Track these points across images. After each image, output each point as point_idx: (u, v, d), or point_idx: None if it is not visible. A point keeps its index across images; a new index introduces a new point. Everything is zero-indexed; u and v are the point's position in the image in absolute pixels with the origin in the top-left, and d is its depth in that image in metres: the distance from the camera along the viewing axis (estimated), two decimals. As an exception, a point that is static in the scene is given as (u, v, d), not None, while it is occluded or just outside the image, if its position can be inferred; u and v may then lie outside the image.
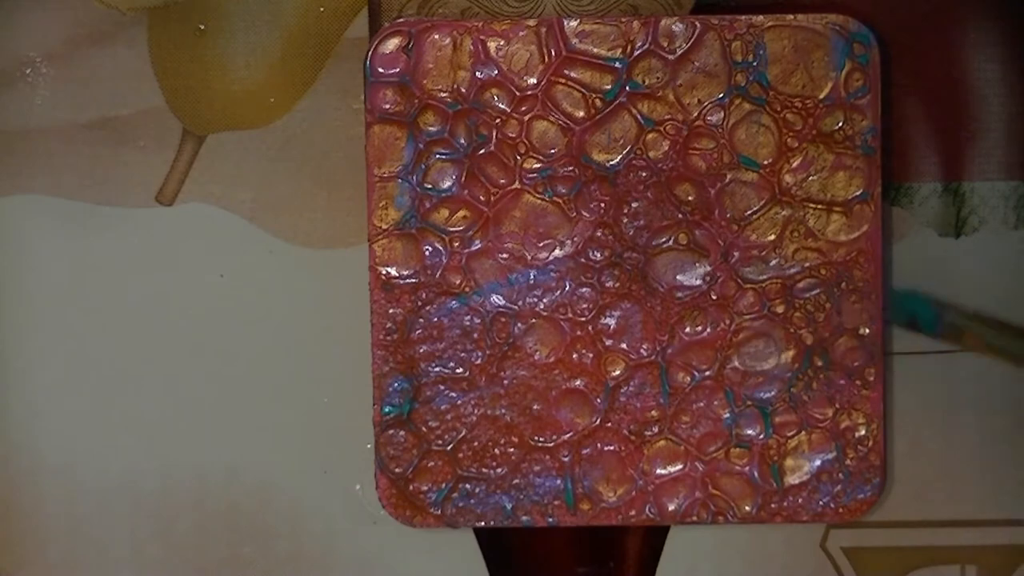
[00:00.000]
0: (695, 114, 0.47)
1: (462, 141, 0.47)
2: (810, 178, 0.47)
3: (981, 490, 0.49)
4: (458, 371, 0.48)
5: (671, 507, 0.48)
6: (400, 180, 0.47)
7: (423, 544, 0.49)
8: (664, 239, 0.47)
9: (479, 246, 0.47)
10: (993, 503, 0.49)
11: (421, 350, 0.48)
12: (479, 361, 0.48)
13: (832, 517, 0.48)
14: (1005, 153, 0.49)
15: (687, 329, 0.47)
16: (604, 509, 0.48)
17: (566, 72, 0.47)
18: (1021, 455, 0.49)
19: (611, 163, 0.47)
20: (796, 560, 0.49)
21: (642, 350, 0.48)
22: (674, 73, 0.47)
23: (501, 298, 0.48)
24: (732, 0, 0.48)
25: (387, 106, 0.47)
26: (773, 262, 0.47)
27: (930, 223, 0.49)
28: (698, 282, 0.47)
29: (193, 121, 0.49)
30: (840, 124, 0.47)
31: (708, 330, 0.47)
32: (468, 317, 0.48)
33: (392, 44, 0.47)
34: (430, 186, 0.47)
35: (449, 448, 0.48)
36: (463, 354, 0.48)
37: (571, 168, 0.47)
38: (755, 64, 0.47)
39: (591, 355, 0.48)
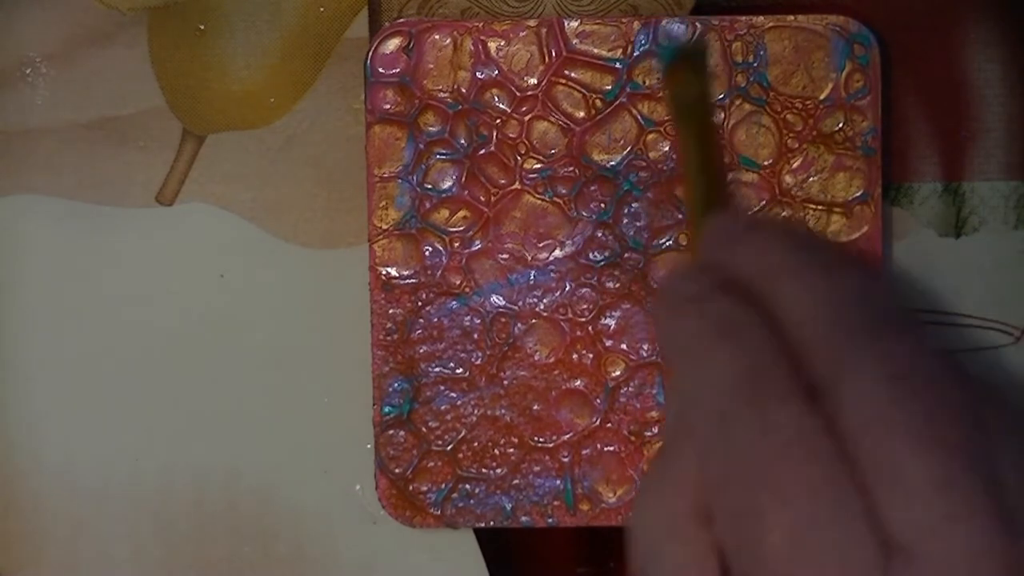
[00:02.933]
0: (695, 115, 0.47)
1: (462, 141, 0.47)
2: (810, 179, 0.47)
3: (981, 490, 0.49)
4: (458, 371, 0.48)
5: (671, 507, 0.48)
6: (400, 180, 0.47)
7: (423, 544, 0.49)
8: (664, 240, 0.47)
9: (479, 246, 0.47)
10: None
11: (421, 350, 0.48)
12: (479, 361, 0.48)
13: (832, 518, 0.48)
14: (1005, 153, 0.49)
15: (687, 330, 0.47)
16: (604, 509, 0.48)
17: (566, 72, 0.47)
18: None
19: (611, 163, 0.47)
20: (796, 560, 0.49)
21: (642, 351, 0.47)
22: (674, 74, 0.47)
23: (501, 298, 0.48)
24: (732, 1, 0.48)
25: (387, 106, 0.47)
26: (773, 263, 0.47)
27: (930, 223, 0.49)
28: (698, 283, 0.47)
29: (193, 121, 0.49)
30: (840, 125, 0.47)
31: (708, 331, 0.47)
32: (468, 317, 0.48)
33: (392, 44, 0.47)
34: (430, 186, 0.47)
35: (449, 448, 0.48)
36: (463, 354, 0.48)
37: (571, 168, 0.47)
38: (755, 65, 0.47)
39: (591, 356, 0.48)
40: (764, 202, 0.47)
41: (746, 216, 0.39)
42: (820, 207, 0.47)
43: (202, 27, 0.48)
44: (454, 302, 0.48)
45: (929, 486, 0.31)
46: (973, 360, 0.49)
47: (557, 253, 0.48)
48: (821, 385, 0.32)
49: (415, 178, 0.47)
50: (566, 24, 0.47)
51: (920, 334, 0.33)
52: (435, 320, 0.48)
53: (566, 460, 0.48)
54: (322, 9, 0.48)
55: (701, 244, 0.36)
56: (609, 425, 0.48)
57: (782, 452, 0.32)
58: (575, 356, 0.48)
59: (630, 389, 0.48)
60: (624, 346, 0.48)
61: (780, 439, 0.32)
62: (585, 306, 0.48)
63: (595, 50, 0.47)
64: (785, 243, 0.35)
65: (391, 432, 0.48)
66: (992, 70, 0.48)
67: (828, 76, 0.47)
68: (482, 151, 0.47)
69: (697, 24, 0.47)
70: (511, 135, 0.47)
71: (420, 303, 0.47)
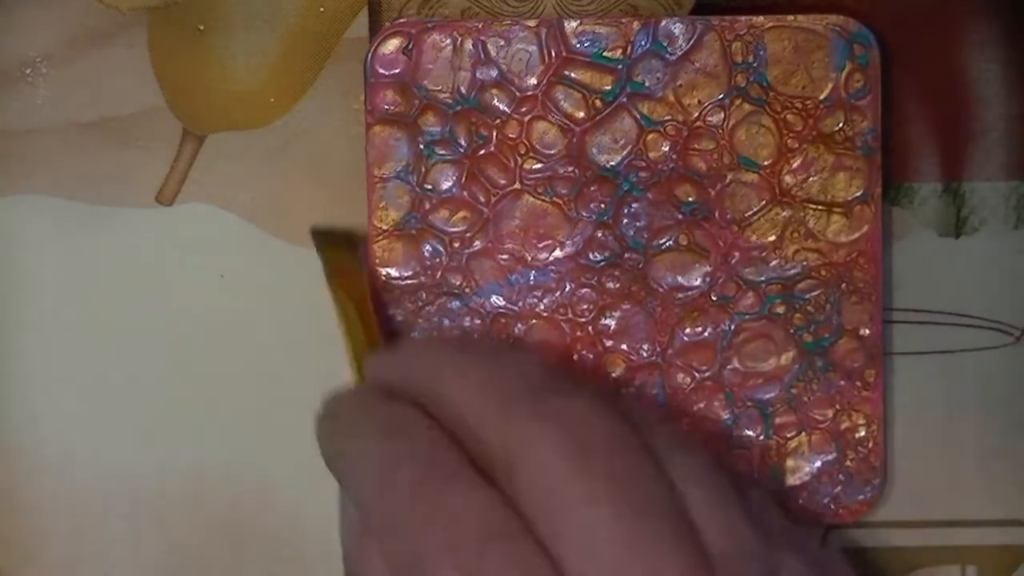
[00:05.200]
0: (695, 115, 0.47)
1: (462, 142, 0.47)
2: (810, 179, 0.47)
3: (981, 490, 0.49)
4: (458, 371, 0.48)
5: (671, 508, 0.48)
6: (400, 180, 0.47)
7: (423, 544, 0.49)
8: (664, 240, 0.47)
9: (479, 247, 0.47)
10: (993, 503, 0.49)
11: (421, 350, 0.48)
12: (479, 361, 0.48)
13: (832, 518, 0.48)
14: (1005, 153, 0.49)
15: (687, 330, 0.47)
16: (604, 510, 0.48)
17: (566, 73, 0.47)
18: (1021, 455, 0.49)
19: (611, 164, 0.47)
20: (796, 560, 0.49)
21: (642, 351, 0.47)
22: (674, 74, 0.47)
23: (501, 299, 0.48)
24: (732, 1, 0.48)
25: (387, 107, 0.47)
26: (773, 263, 0.47)
27: (930, 223, 0.49)
28: (698, 283, 0.47)
29: (193, 121, 0.49)
30: (840, 125, 0.47)
31: (708, 331, 0.47)
32: (468, 318, 0.48)
33: (392, 45, 0.47)
34: (430, 186, 0.47)
35: (449, 448, 0.48)
36: (463, 354, 0.48)
37: (571, 169, 0.47)
38: (755, 65, 0.47)
39: (591, 356, 0.48)
40: (764, 202, 0.47)
41: (406, 345, 0.40)
42: (820, 207, 0.47)
43: (202, 27, 0.48)
44: (454, 303, 0.48)
45: (618, 544, 0.30)
46: (973, 360, 0.49)
47: (557, 253, 0.48)
48: (503, 461, 0.32)
49: (415, 178, 0.47)
50: (566, 24, 0.47)
51: (584, 398, 0.32)
52: (435, 321, 0.48)
53: (566, 460, 0.48)
54: (322, 9, 0.48)
55: (365, 373, 0.37)
56: (609, 425, 0.48)
57: (455, 524, 0.31)
58: (575, 357, 0.48)
59: (630, 389, 0.48)
60: (624, 346, 0.48)
61: (450, 512, 0.31)
62: (585, 306, 0.48)
63: (595, 50, 0.47)
64: (439, 348, 0.35)
65: (391, 432, 0.48)
66: (992, 70, 0.48)
67: (828, 76, 0.47)
68: (482, 151, 0.47)
69: (696, 24, 0.47)
70: (511, 135, 0.47)
71: (420, 303, 0.47)
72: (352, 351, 0.42)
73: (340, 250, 0.46)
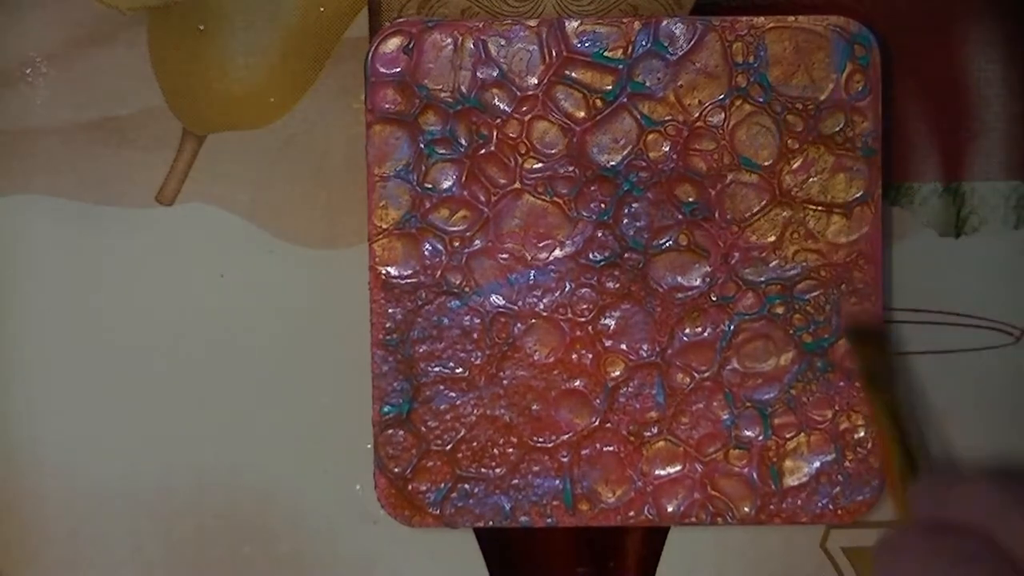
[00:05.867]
0: (696, 115, 0.47)
1: (463, 141, 0.47)
2: (810, 179, 0.47)
3: (980, 490, 0.49)
4: (458, 371, 0.48)
5: (670, 508, 0.48)
6: (400, 180, 0.47)
7: (423, 544, 0.49)
8: (664, 240, 0.47)
9: (479, 246, 0.47)
10: (992, 503, 0.49)
11: (421, 350, 0.48)
12: (479, 361, 0.48)
13: (831, 519, 0.48)
14: (1005, 153, 0.49)
15: (687, 330, 0.47)
16: (603, 510, 0.48)
17: (567, 72, 0.47)
18: (1021, 455, 0.49)
19: (612, 163, 0.47)
20: (796, 560, 0.49)
21: (642, 351, 0.48)
22: (675, 74, 0.47)
23: (501, 298, 0.48)
24: (732, 1, 0.48)
25: (388, 106, 0.47)
26: (773, 263, 0.47)
27: (930, 223, 0.49)
28: (698, 283, 0.47)
29: (193, 121, 0.49)
30: (841, 126, 0.47)
31: (708, 331, 0.47)
32: (468, 317, 0.48)
33: (393, 44, 0.47)
34: (430, 186, 0.47)
35: (448, 448, 0.48)
36: (463, 354, 0.48)
37: (571, 168, 0.47)
38: (756, 65, 0.47)
39: (591, 356, 0.48)
40: (764, 202, 0.47)
41: (945, 474, 0.43)
42: (820, 207, 0.47)
43: (202, 27, 0.48)
44: (454, 302, 0.48)
45: None
46: (973, 360, 0.49)
47: (557, 253, 0.48)
48: None
49: (415, 177, 0.47)
50: (566, 24, 0.47)
51: None
52: (435, 320, 0.48)
53: (565, 460, 0.48)
54: (322, 9, 0.48)
55: (909, 505, 0.39)
56: (608, 425, 0.48)
57: None
58: (574, 356, 0.48)
59: (629, 389, 0.48)
60: (624, 346, 0.48)
61: None
62: (585, 306, 0.48)
63: (596, 50, 0.47)
64: (988, 488, 0.37)
65: (390, 432, 0.48)
66: (992, 70, 0.48)
67: (829, 77, 0.47)
68: (482, 151, 0.47)
69: (697, 24, 0.47)
70: (511, 135, 0.47)
71: (420, 303, 0.47)
72: (895, 470, 0.43)
73: (876, 349, 0.47)
